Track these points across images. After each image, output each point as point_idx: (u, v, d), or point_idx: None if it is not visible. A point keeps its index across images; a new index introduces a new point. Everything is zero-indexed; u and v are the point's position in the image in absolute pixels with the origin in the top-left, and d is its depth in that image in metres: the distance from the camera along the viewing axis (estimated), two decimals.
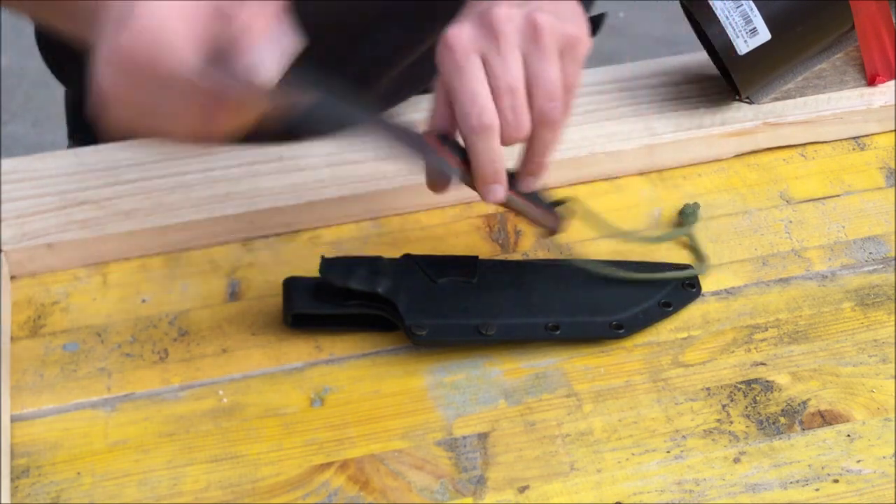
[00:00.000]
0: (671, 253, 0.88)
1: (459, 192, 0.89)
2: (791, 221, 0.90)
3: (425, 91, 0.98)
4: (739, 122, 0.94)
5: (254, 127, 0.71)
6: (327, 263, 0.80)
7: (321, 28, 0.90)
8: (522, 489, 0.73)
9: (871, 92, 0.97)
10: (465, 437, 0.76)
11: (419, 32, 0.97)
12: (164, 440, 0.76)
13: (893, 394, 0.78)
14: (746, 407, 0.77)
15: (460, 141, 0.75)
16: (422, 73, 0.97)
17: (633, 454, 0.75)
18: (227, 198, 0.89)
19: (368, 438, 0.76)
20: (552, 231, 0.81)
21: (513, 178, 0.78)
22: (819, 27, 0.94)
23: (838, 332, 0.82)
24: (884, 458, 0.74)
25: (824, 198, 0.92)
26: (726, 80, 0.96)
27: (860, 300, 0.84)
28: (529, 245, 0.88)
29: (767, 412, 0.77)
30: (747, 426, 0.76)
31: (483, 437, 0.76)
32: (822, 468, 0.74)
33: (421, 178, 0.78)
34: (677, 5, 0.95)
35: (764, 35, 0.91)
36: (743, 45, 0.91)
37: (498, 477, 0.74)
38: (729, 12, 0.91)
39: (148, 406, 0.78)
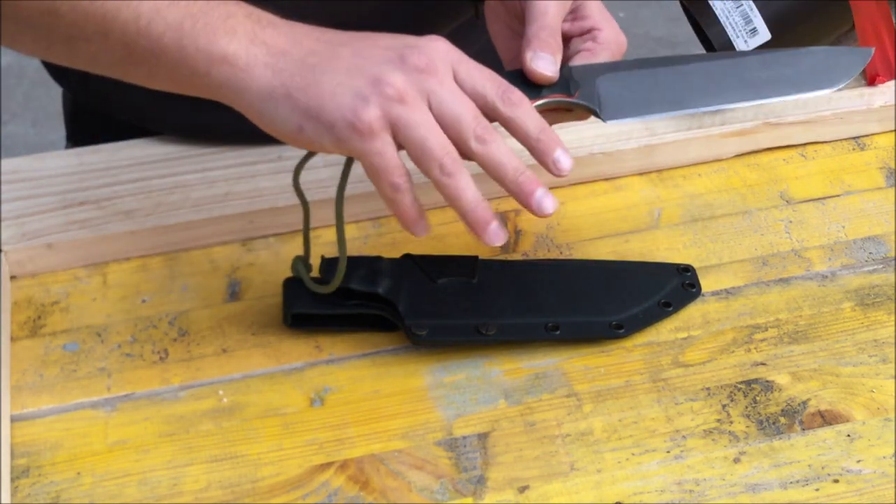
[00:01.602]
0: (671, 253, 0.88)
1: None
2: (791, 221, 0.90)
3: None
4: (739, 122, 0.94)
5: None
6: (327, 263, 0.80)
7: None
8: (522, 489, 0.73)
9: (871, 92, 0.97)
10: (465, 437, 0.76)
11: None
12: (164, 440, 0.76)
13: (893, 394, 0.78)
14: (746, 407, 0.77)
15: None
16: None
17: (633, 454, 0.75)
18: (226, 198, 0.89)
19: (368, 438, 0.76)
20: None
21: None
22: (819, 27, 0.94)
23: (838, 332, 0.82)
24: (884, 458, 0.74)
25: (824, 198, 0.92)
26: None
27: (860, 300, 0.84)
28: (529, 245, 0.88)
29: (767, 412, 0.77)
30: (747, 426, 0.76)
31: (483, 437, 0.76)
32: (822, 468, 0.74)
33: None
34: (677, 5, 0.95)
35: (764, 35, 0.91)
36: (743, 45, 0.91)
37: (498, 477, 0.74)
38: (729, 12, 0.91)
39: (148, 406, 0.78)
